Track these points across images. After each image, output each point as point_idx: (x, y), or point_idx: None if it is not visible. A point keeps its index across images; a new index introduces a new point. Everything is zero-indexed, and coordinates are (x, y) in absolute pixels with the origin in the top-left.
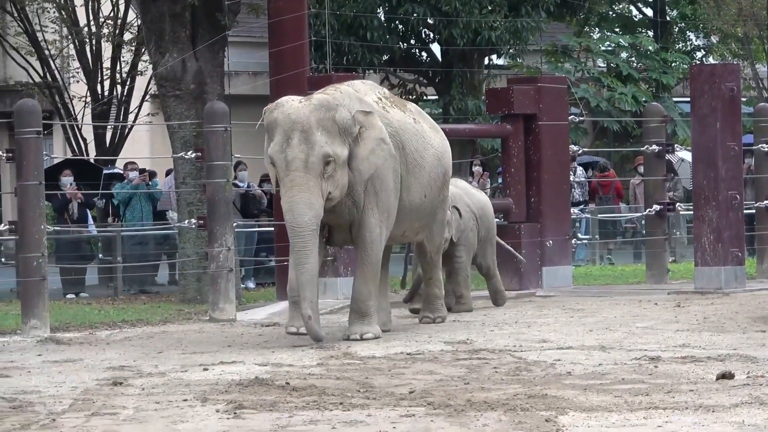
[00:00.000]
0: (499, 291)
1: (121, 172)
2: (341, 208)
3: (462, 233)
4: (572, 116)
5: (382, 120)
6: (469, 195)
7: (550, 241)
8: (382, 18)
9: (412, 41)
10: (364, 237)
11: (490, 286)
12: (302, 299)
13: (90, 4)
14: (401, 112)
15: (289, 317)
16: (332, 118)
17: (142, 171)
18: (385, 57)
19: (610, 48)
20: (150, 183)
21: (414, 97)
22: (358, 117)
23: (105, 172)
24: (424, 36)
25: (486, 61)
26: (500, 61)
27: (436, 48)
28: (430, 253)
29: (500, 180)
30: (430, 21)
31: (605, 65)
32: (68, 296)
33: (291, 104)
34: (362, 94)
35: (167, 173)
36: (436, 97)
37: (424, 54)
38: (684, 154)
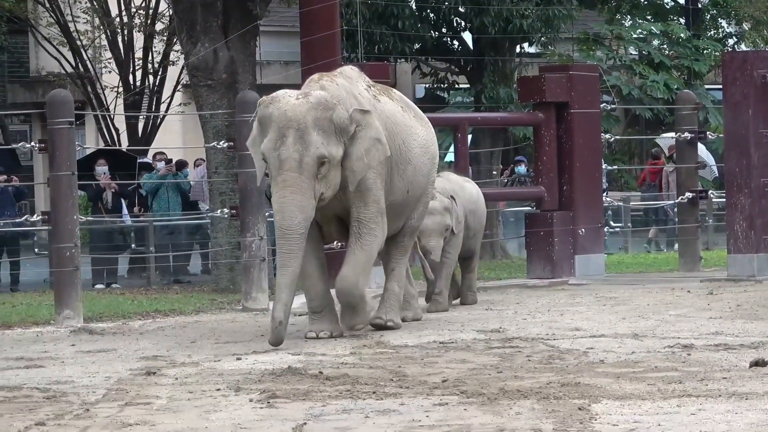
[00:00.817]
0: (471, 290)
1: (150, 162)
2: (331, 206)
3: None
4: (604, 104)
5: (375, 113)
6: (462, 189)
7: (583, 230)
8: (414, 7)
9: (444, 30)
10: (360, 228)
11: (464, 280)
12: (277, 300)
13: None
14: (390, 101)
15: (309, 321)
16: (329, 117)
17: (168, 161)
18: (416, 46)
19: (641, 35)
20: (178, 173)
21: (446, 85)
22: (355, 116)
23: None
24: (455, 24)
25: (518, 50)
26: (532, 50)
27: (467, 36)
28: (404, 236)
29: (518, 169)
30: (461, 9)
31: (637, 53)
32: (97, 286)
33: (287, 100)
34: (354, 84)
35: (196, 164)
36: (468, 85)
37: (455, 42)
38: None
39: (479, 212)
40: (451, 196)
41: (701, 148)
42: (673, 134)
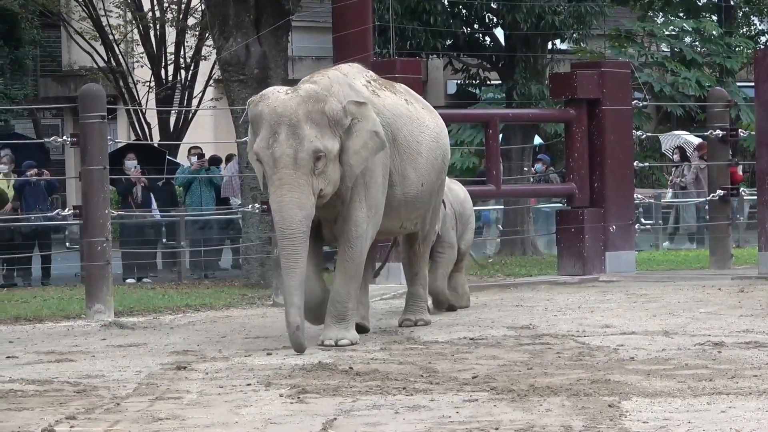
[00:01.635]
0: (456, 291)
1: (176, 160)
2: (329, 201)
3: (444, 228)
4: (636, 101)
5: (374, 107)
6: (450, 189)
7: (614, 226)
8: (446, 3)
9: (476, 26)
10: (349, 232)
11: (451, 280)
12: (289, 305)
13: None
14: (392, 95)
15: (324, 328)
16: (321, 110)
17: (200, 156)
18: (448, 42)
19: (673, 32)
20: (210, 169)
21: (477, 81)
22: (350, 108)
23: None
24: (487, 21)
25: (549, 46)
26: (564, 46)
27: (499, 33)
28: (419, 244)
29: (537, 166)
30: (493, 5)
31: (669, 50)
32: (128, 281)
33: (276, 96)
34: (351, 79)
35: (227, 159)
36: (500, 81)
37: (487, 39)
38: (696, 140)
39: (466, 214)
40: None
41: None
42: (682, 132)
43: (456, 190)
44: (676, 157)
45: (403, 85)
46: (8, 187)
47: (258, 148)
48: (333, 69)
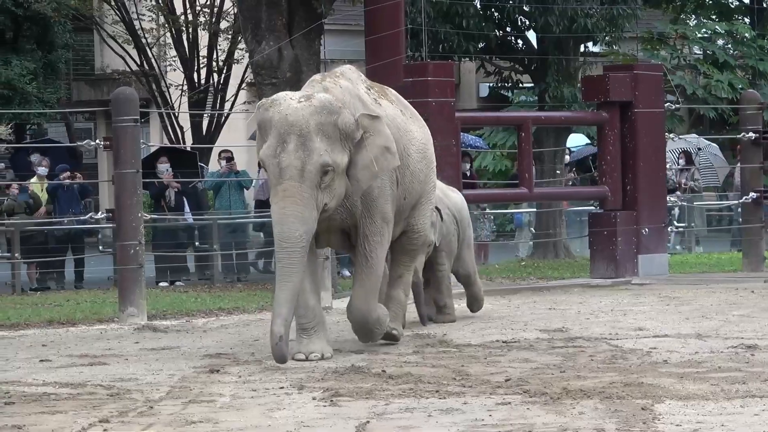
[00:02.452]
0: (478, 299)
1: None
2: (333, 215)
3: (444, 238)
4: (668, 103)
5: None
6: (447, 196)
7: (646, 229)
8: (478, 5)
9: (508, 29)
10: (364, 246)
11: (468, 293)
12: (276, 315)
13: None
14: (389, 104)
15: (297, 340)
16: (334, 122)
17: (229, 159)
18: (480, 44)
19: (706, 35)
20: (239, 172)
21: (510, 84)
22: (363, 122)
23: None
24: (519, 23)
25: (582, 49)
26: (596, 49)
27: (531, 35)
28: (409, 240)
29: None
30: (526, 8)
31: (701, 52)
32: (161, 284)
33: (288, 103)
34: (356, 88)
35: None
36: (532, 84)
37: (519, 41)
38: (701, 142)
39: (463, 222)
40: (436, 207)
41: (715, 149)
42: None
43: (453, 196)
44: (681, 161)
45: (393, 91)
46: (42, 190)
47: (264, 155)
48: (341, 75)
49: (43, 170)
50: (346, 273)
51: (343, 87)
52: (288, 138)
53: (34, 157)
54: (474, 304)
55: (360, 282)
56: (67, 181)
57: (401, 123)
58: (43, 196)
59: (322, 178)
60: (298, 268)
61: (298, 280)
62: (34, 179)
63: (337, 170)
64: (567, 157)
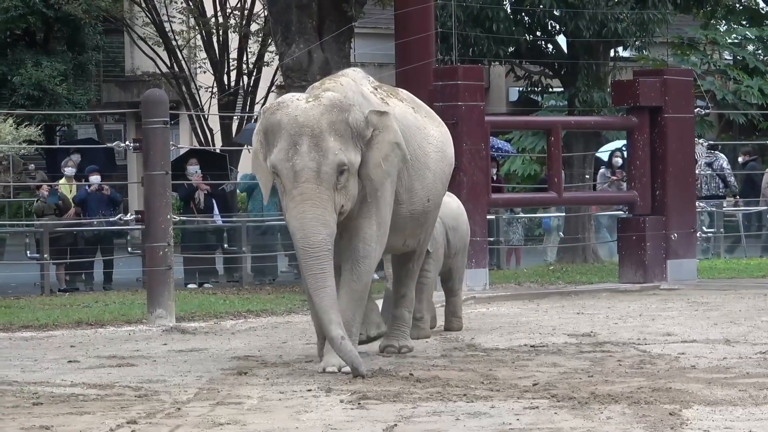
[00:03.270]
0: (457, 315)
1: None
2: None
3: (435, 245)
4: (698, 109)
5: None
6: (442, 204)
7: (675, 234)
8: (509, 10)
9: (538, 33)
10: (357, 251)
11: (448, 304)
12: (328, 322)
13: None
14: (399, 102)
15: (325, 352)
16: (345, 120)
17: None
18: (510, 49)
19: (736, 40)
20: None
21: (540, 88)
22: (372, 118)
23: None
24: (550, 28)
25: (612, 53)
26: (626, 53)
27: (561, 40)
28: (413, 262)
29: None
30: (556, 13)
31: (731, 58)
32: (190, 286)
33: (297, 104)
34: (360, 86)
35: None
36: (562, 89)
37: (550, 46)
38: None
39: (461, 229)
40: None
41: (722, 158)
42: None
43: (449, 204)
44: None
45: (406, 91)
46: (70, 191)
47: (276, 160)
48: (342, 75)
49: (70, 171)
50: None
51: (345, 85)
52: (300, 140)
53: (75, 156)
54: (453, 321)
55: (347, 289)
56: (95, 185)
57: (413, 120)
58: (72, 197)
59: (338, 178)
60: (330, 272)
61: (333, 284)
62: (62, 180)
63: (351, 170)
64: (619, 160)
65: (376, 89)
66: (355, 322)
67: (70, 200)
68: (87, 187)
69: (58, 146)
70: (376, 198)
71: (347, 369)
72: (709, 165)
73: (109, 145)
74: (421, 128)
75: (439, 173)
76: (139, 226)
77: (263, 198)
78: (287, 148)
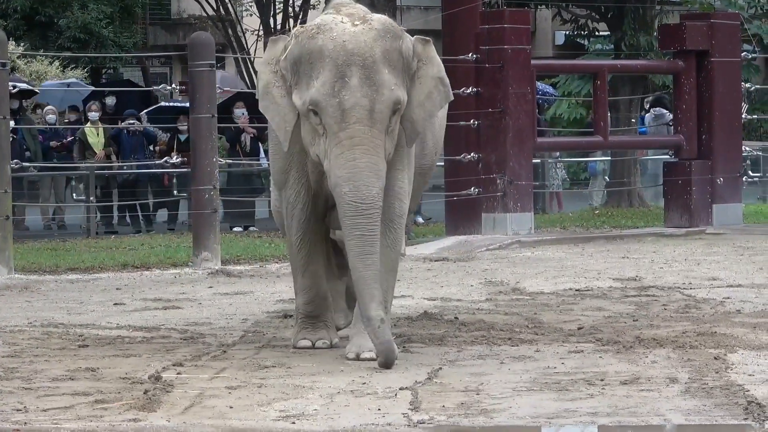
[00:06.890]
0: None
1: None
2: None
3: None
4: (745, 53)
5: None
6: None
7: (721, 179)
8: None
9: None
10: (393, 208)
11: None
12: (370, 299)
13: None
14: None
15: (353, 334)
16: (399, 49)
17: None
18: None
19: None
20: None
21: (586, 32)
22: (418, 48)
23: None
24: None
25: None
26: None
27: None
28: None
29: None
30: None
31: None
32: (235, 229)
33: (343, 28)
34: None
35: None
36: (608, 33)
37: None
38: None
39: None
40: None
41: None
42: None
43: None
44: None
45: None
46: (97, 135)
47: (319, 95)
48: (348, 4)
49: (93, 115)
50: (420, 220)
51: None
52: (349, 71)
53: (110, 99)
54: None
55: (382, 258)
56: (126, 124)
57: None
58: (99, 141)
59: (390, 119)
60: (378, 235)
61: (378, 250)
62: (87, 125)
63: (402, 110)
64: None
65: None
66: (390, 300)
67: (97, 143)
68: (126, 121)
69: (94, 88)
70: (408, 155)
71: (367, 355)
72: None
73: (155, 88)
74: None
75: (443, 123)
76: (186, 169)
77: (283, 146)
78: (332, 80)
